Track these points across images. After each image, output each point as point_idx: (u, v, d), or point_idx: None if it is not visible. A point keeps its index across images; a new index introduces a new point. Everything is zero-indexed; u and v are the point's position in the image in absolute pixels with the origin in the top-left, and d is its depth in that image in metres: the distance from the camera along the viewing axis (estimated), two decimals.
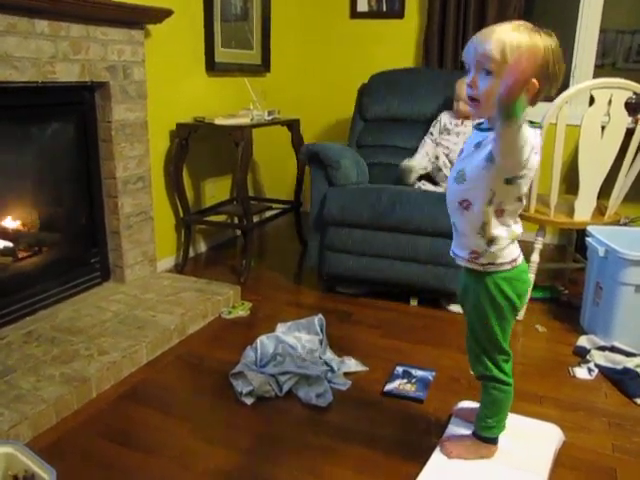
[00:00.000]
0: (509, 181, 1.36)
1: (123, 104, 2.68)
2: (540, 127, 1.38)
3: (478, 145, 1.40)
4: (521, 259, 1.52)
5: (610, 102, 2.58)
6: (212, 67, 3.42)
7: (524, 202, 1.46)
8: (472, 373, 1.68)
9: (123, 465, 1.72)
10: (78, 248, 2.74)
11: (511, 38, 1.27)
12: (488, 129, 1.39)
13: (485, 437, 1.67)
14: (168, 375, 2.23)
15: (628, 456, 1.80)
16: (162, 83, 3.05)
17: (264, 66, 4.02)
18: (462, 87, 2.97)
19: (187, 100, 3.29)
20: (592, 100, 2.61)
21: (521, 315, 2.63)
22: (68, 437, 1.84)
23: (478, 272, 1.51)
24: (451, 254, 1.60)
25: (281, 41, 4.14)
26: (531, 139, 1.27)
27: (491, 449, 1.68)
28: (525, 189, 1.40)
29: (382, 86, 3.47)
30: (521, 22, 1.32)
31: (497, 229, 1.44)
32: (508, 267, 1.48)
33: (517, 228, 1.48)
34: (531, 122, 1.33)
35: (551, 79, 1.31)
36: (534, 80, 1.26)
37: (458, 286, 1.67)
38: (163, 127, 3.15)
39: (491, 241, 1.45)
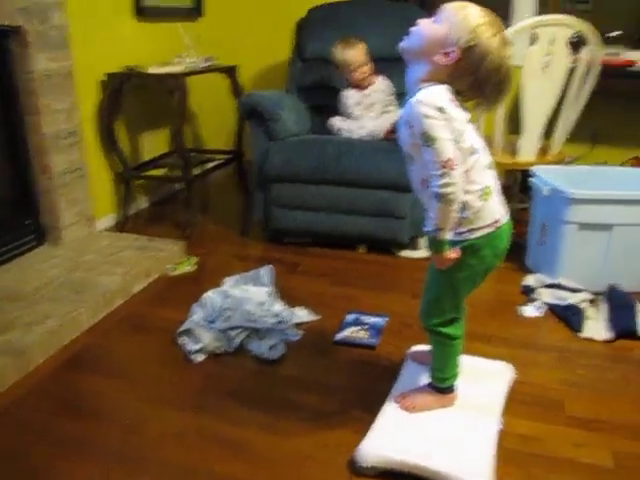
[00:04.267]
0: None
1: (44, 52, 2.48)
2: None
3: (405, 122, 1.38)
4: (505, 218, 1.46)
5: (553, 40, 2.55)
6: (141, 11, 3.23)
7: (480, 149, 1.40)
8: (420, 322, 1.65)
9: (71, 436, 1.65)
10: (7, 211, 2.59)
11: (461, 10, 1.32)
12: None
13: (441, 387, 1.65)
14: (112, 339, 2.16)
15: (574, 388, 1.86)
16: (87, 30, 2.86)
17: (197, 10, 3.83)
18: (353, 54, 2.85)
19: (116, 48, 3.10)
20: (534, 40, 2.58)
21: None
22: (9, 412, 1.76)
23: (458, 242, 1.43)
24: (424, 230, 1.49)
25: None
26: (439, 132, 1.29)
27: (450, 397, 1.67)
28: (468, 142, 1.36)
29: (321, 21, 3.28)
30: (496, 23, 1.32)
31: (464, 195, 1.37)
32: (490, 230, 1.42)
33: (488, 180, 1.42)
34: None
35: (479, 76, 1.31)
36: (457, 50, 1.29)
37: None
38: (92, 78, 2.97)
39: (462, 208, 1.38)
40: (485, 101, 1.38)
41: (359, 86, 2.94)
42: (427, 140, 1.30)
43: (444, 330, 1.57)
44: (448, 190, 1.30)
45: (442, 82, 1.34)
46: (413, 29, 1.38)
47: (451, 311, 1.56)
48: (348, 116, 2.94)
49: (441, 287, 1.53)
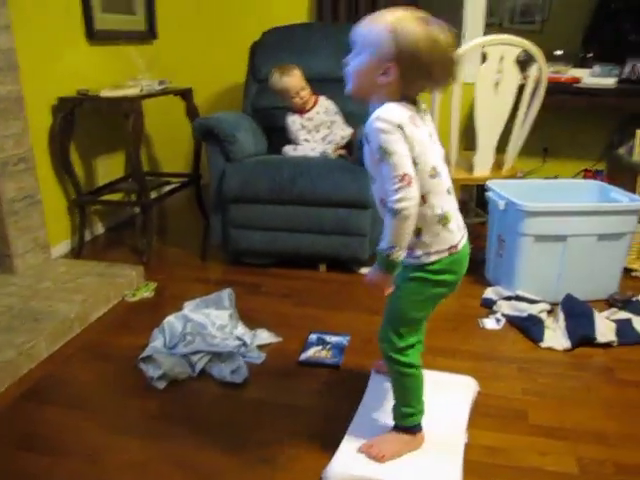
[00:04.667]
0: None
1: None
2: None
3: (367, 139, 1.34)
4: (462, 243, 1.44)
5: (502, 59, 2.63)
6: (93, 34, 3.19)
7: (442, 173, 1.38)
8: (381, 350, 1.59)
9: (28, 473, 1.59)
10: None
11: (364, 24, 1.31)
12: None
13: (408, 427, 1.57)
14: (72, 368, 2.10)
15: (536, 397, 1.88)
16: (36, 53, 2.81)
17: (150, 32, 3.80)
18: (290, 81, 2.87)
19: (68, 72, 3.05)
20: (485, 58, 2.65)
21: None
22: None
23: (412, 265, 1.43)
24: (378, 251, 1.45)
25: (166, 4, 3.92)
26: (395, 146, 1.27)
27: (419, 437, 1.59)
28: (430, 164, 1.34)
29: (274, 44, 3.31)
30: (407, 11, 1.28)
31: (421, 221, 1.36)
32: (445, 255, 1.40)
33: (448, 206, 1.39)
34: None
35: (424, 69, 1.27)
36: (391, 65, 1.26)
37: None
38: (43, 102, 2.91)
39: (419, 231, 1.37)
40: (441, 83, 1.34)
41: (301, 111, 2.96)
42: (384, 154, 1.27)
43: (402, 358, 1.50)
44: (403, 205, 1.27)
45: (400, 95, 1.32)
46: (346, 71, 1.37)
47: (409, 335, 1.50)
48: (295, 141, 2.96)
49: (399, 311, 1.49)
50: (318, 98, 3.00)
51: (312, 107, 2.97)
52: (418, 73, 1.28)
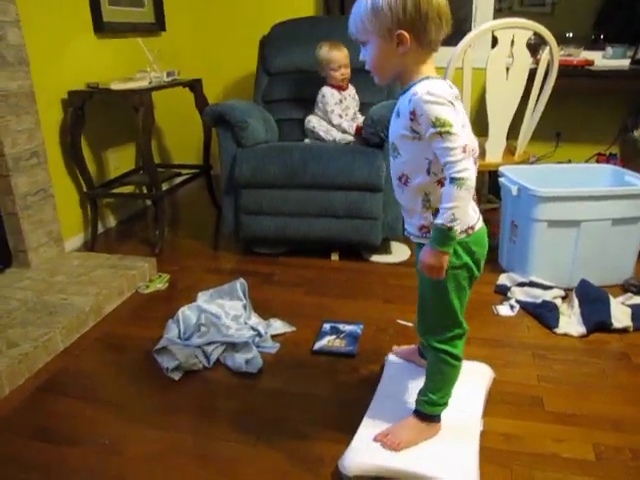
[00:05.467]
0: None
1: (1, 72, 2.43)
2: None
3: (398, 114, 1.33)
4: (479, 225, 1.42)
5: (512, 43, 2.60)
6: (101, 28, 3.19)
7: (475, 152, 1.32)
8: (421, 339, 1.59)
9: (47, 463, 1.61)
10: None
11: (354, 10, 1.31)
12: (404, 92, 1.33)
13: (427, 415, 1.56)
14: (87, 360, 2.12)
15: (551, 384, 1.88)
16: (46, 47, 2.82)
17: (158, 24, 3.80)
18: (338, 54, 2.92)
19: (77, 65, 3.06)
20: (495, 42, 2.62)
21: None
22: None
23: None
24: (405, 234, 1.49)
25: None
26: (453, 118, 1.22)
27: (437, 427, 1.58)
28: (471, 144, 1.28)
29: (284, 37, 3.33)
30: None
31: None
32: (463, 235, 1.36)
33: None
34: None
35: (429, 16, 1.24)
36: (400, 32, 1.25)
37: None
38: (54, 96, 2.92)
39: (438, 211, 1.31)
40: (449, 22, 1.30)
41: (339, 87, 3.00)
42: (442, 126, 1.21)
43: (451, 349, 1.49)
44: (468, 174, 1.22)
45: (427, 55, 1.31)
46: (369, 68, 1.36)
47: (455, 326, 1.48)
48: (328, 114, 2.97)
49: (437, 301, 1.45)
50: (349, 85, 3.07)
51: (346, 89, 3.04)
52: (427, 24, 1.25)
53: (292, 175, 2.69)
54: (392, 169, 1.43)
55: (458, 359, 1.51)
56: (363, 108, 3.04)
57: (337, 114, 2.96)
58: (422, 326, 1.56)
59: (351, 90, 3.06)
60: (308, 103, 3.10)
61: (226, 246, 3.08)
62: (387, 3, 1.24)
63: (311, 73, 3.09)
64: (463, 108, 1.33)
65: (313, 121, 3.00)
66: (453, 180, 1.23)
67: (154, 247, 3.04)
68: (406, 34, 1.25)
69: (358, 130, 2.89)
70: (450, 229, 1.26)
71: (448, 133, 1.22)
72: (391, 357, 1.95)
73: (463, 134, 1.23)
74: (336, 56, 2.93)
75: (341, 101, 2.99)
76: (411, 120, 1.28)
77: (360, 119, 2.99)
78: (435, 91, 1.23)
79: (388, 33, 1.27)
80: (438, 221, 1.27)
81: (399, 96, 1.36)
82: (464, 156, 1.22)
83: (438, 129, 1.22)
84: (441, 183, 1.31)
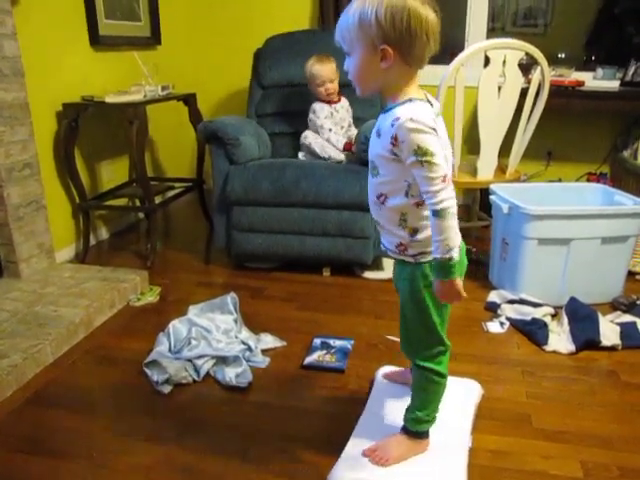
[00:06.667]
0: None
1: None
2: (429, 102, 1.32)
3: (378, 133, 1.32)
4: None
5: (504, 62, 2.64)
6: (97, 41, 3.21)
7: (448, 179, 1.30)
8: (407, 357, 1.59)
9: (36, 475, 1.60)
10: None
11: (342, 19, 1.29)
12: (385, 111, 1.32)
13: (415, 432, 1.56)
14: (77, 372, 2.11)
15: (540, 401, 1.89)
16: (42, 60, 2.83)
17: (154, 38, 3.82)
18: (321, 69, 2.92)
19: (73, 78, 3.07)
20: (487, 62, 2.66)
21: None
22: None
23: (409, 263, 1.40)
24: (382, 247, 1.47)
25: (170, 10, 3.95)
26: (434, 147, 1.22)
27: (425, 443, 1.58)
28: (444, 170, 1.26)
29: (278, 50, 3.33)
30: None
31: (419, 221, 1.34)
32: None
33: None
34: (424, 100, 1.30)
35: (415, 34, 1.21)
36: (384, 47, 1.23)
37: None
38: (48, 108, 2.93)
39: (415, 231, 1.34)
40: (436, 40, 1.27)
41: (329, 101, 3.01)
42: (423, 155, 1.21)
43: (435, 367, 1.49)
44: (448, 204, 1.23)
45: (411, 74, 1.29)
46: (350, 78, 1.34)
47: (437, 343, 1.48)
48: (318, 129, 2.99)
49: (417, 318, 1.45)
50: (341, 97, 3.06)
51: (337, 102, 3.04)
52: (414, 41, 1.23)
53: (284, 193, 2.71)
54: (370, 187, 1.41)
55: (442, 376, 1.51)
56: (355, 122, 3.06)
57: (327, 128, 2.96)
58: (405, 344, 1.56)
59: (344, 102, 3.06)
60: (301, 117, 3.11)
61: (218, 260, 3.08)
62: (375, 17, 1.21)
63: (304, 86, 3.10)
64: (443, 123, 1.34)
65: (310, 137, 3.00)
66: (436, 213, 1.24)
67: (146, 260, 3.04)
68: (390, 50, 1.23)
69: (347, 147, 2.90)
70: (450, 259, 1.26)
71: (429, 163, 1.22)
72: (381, 372, 1.96)
73: (443, 162, 1.23)
74: (319, 71, 2.93)
75: (332, 114, 3.00)
76: (392, 145, 1.27)
77: (354, 132, 3.00)
78: (418, 118, 1.22)
79: (372, 46, 1.24)
80: (436, 256, 1.28)
81: (380, 114, 1.35)
82: (443, 186, 1.23)
83: (419, 158, 1.22)
84: (419, 205, 1.32)
